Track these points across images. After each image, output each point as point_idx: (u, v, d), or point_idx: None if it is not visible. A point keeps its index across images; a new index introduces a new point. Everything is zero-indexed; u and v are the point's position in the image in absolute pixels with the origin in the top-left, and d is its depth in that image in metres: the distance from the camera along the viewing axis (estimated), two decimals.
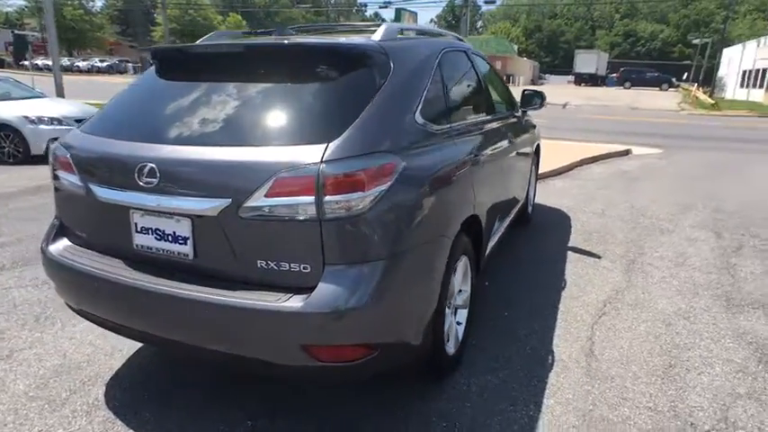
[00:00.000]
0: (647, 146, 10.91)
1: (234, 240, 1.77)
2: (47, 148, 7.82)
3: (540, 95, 4.03)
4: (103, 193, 1.96)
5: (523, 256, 4.15)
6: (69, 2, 47.59)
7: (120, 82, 34.31)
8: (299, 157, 1.68)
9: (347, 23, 3.80)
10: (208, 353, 1.88)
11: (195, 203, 1.78)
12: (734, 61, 39.62)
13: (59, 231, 2.24)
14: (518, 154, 3.79)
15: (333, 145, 1.70)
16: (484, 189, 2.71)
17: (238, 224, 1.74)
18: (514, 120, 3.81)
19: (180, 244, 1.86)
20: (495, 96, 3.50)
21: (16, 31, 30.71)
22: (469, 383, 2.42)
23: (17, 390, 2.34)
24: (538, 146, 4.94)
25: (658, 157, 9.86)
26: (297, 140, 1.77)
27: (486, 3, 49.41)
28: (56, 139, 7.95)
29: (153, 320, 1.93)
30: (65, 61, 40.32)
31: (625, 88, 41.69)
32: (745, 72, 36.86)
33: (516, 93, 4.12)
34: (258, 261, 1.76)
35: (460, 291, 2.54)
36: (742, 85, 37.00)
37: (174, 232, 1.86)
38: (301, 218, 1.68)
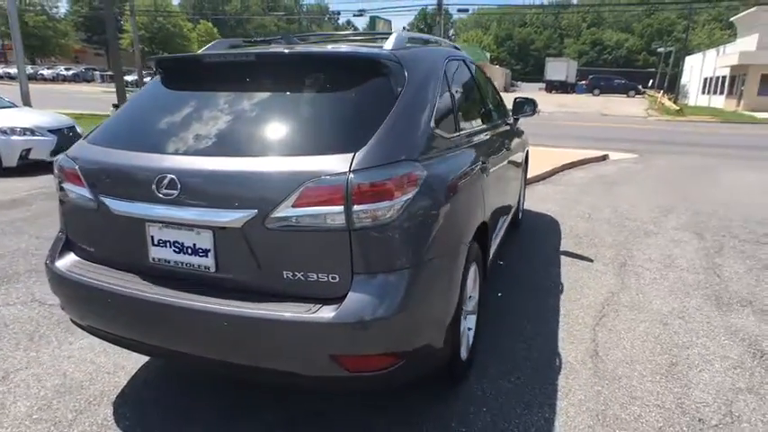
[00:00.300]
0: (621, 151, 11.25)
1: (259, 251, 1.75)
2: (19, 159, 7.56)
3: (532, 103, 4.10)
4: (117, 205, 1.91)
5: (518, 262, 4.21)
6: (31, 8, 46.13)
7: (90, 90, 33.42)
8: (327, 167, 1.68)
9: (348, 32, 3.81)
10: (234, 367, 1.85)
11: (218, 215, 1.75)
12: (695, 69, 41.27)
13: (66, 246, 2.17)
14: (514, 160, 3.86)
15: (360, 154, 1.71)
16: (491, 196, 2.76)
17: (264, 235, 1.72)
18: (508, 127, 3.88)
19: (200, 256, 1.83)
20: (491, 104, 3.57)
21: None
22: (483, 389, 2.45)
23: (18, 412, 2.24)
24: (527, 152, 5.04)
25: (634, 161, 10.18)
26: (322, 150, 1.77)
27: (459, 11, 50.19)
28: (29, 150, 7.75)
29: (173, 335, 1.88)
30: (28, 69, 38.95)
31: (594, 95, 42.89)
32: (706, 79, 38.46)
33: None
34: (284, 272, 1.74)
35: (470, 297, 2.57)
36: (703, 92, 38.57)
37: (195, 245, 1.83)
38: (330, 228, 1.68)
